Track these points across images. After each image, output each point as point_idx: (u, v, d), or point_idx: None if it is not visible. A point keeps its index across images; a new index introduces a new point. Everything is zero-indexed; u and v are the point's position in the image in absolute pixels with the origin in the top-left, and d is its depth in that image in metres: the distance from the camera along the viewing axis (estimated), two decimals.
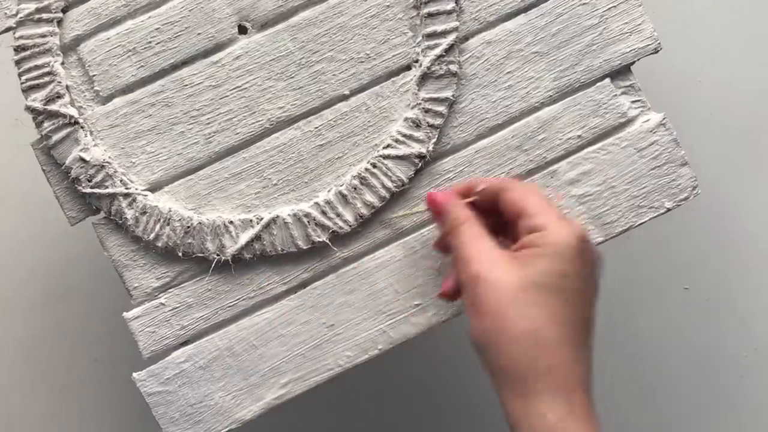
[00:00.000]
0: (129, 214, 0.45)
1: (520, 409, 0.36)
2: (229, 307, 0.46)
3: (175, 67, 0.45)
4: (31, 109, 0.45)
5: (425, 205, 0.44)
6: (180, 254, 0.45)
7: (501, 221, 0.41)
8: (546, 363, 0.36)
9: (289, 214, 0.45)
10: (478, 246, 0.39)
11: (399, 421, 0.68)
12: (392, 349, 0.46)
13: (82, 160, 0.45)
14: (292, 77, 0.46)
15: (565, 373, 0.36)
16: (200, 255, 0.45)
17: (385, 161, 0.45)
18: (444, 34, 0.45)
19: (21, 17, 0.44)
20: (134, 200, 0.45)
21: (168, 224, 0.45)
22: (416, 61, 0.45)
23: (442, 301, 0.45)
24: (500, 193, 0.41)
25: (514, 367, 0.36)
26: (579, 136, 0.46)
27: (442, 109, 0.45)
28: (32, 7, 0.44)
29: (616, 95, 0.46)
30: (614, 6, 0.46)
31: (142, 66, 0.45)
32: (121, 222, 0.45)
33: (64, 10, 0.45)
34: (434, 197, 0.42)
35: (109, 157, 0.45)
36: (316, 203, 0.45)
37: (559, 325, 0.36)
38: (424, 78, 0.45)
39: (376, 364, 0.46)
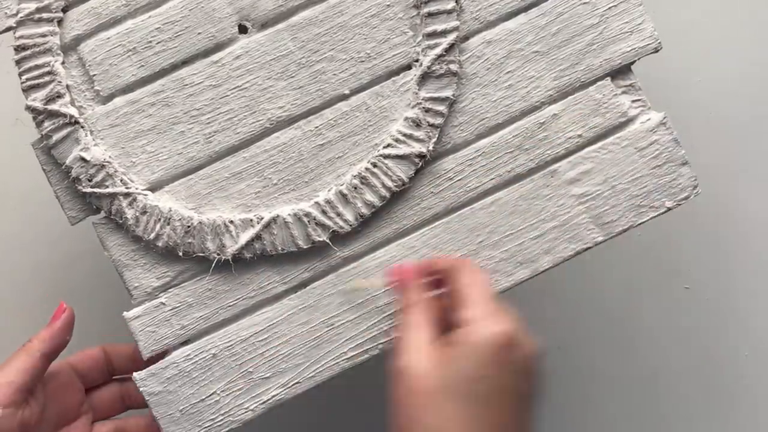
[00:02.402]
0: (129, 213, 0.45)
1: None
2: (230, 306, 0.46)
3: (176, 66, 0.45)
4: (31, 109, 0.45)
5: (387, 278, 0.44)
6: (180, 254, 0.45)
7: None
8: None
9: (289, 214, 0.45)
10: (415, 336, 0.38)
11: None
12: (392, 349, 0.46)
13: (83, 159, 0.45)
14: (293, 77, 0.45)
15: None
16: (200, 254, 0.45)
17: (386, 161, 0.45)
18: (444, 33, 0.45)
19: (21, 17, 0.44)
20: (134, 200, 0.45)
21: (168, 224, 0.45)
22: (416, 61, 0.45)
23: None
24: (450, 275, 0.40)
25: None
26: (579, 136, 0.46)
27: (442, 108, 0.45)
28: (32, 6, 0.44)
29: (616, 94, 0.46)
30: (614, 5, 0.46)
31: (142, 65, 0.45)
32: (121, 222, 0.45)
33: (65, 10, 0.45)
34: (398, 272, 0.42)
35: (110, 157, 0.45)
36: (317, 203, 0.45)
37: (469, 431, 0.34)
38: (425, 77, 0.45)
39: (375, 364, 0.46)
